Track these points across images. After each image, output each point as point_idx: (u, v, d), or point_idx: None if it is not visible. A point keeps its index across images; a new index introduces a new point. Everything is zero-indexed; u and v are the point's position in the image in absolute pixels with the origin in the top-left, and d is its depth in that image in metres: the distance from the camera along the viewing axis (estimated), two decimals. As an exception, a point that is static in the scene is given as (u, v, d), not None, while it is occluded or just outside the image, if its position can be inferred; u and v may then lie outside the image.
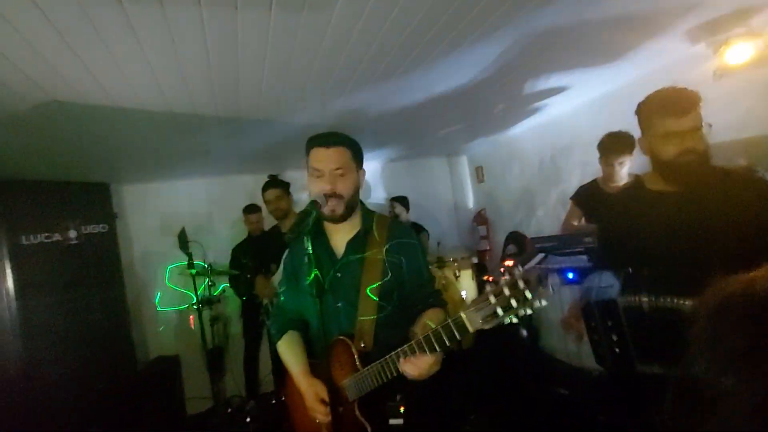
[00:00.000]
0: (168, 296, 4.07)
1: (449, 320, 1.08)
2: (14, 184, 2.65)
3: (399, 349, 1.20)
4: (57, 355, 2.66)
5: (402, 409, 1.30)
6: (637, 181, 1.52)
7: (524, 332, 3.25)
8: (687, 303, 1.12)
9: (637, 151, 2.64)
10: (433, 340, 1.11)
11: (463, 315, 1.05)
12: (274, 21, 1.50)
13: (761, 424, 0.34)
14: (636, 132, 1.44)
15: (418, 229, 4.11)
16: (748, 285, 0.40)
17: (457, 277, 3.33)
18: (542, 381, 3.10)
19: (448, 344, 1.09)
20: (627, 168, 2.51)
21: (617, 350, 1.23)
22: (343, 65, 1.98)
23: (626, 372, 1.25)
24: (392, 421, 1.29)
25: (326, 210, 1.35)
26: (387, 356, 1.23)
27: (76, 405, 2.70)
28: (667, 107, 1.30)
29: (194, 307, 3.46)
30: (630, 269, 1.32)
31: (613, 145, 2.45)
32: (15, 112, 1.95)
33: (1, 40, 1.37)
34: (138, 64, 1.66)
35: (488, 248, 5.02)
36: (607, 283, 1.32)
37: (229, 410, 3.49)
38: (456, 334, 1.07)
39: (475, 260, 4.56)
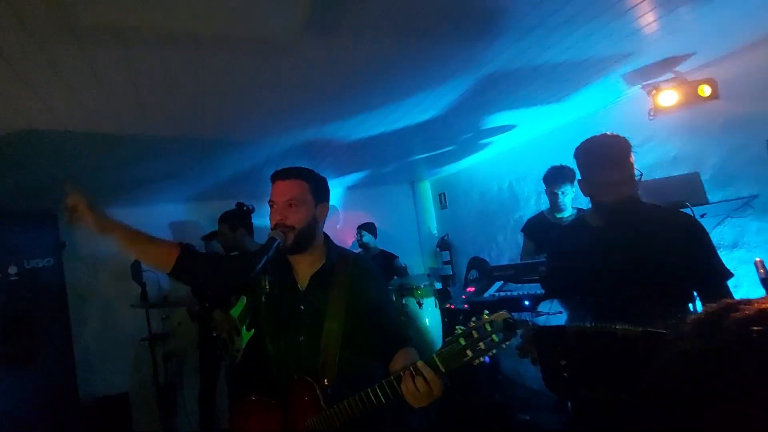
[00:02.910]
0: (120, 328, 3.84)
1: (422, 361, 1.11)
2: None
3: (377, 385, 1.18)
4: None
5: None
6: (580, 218, 1.65)
7: (486, 359, 3.30)
8: (625, 329, 1.20)
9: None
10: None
11: (435, 357, 1.09)
12: (235, 62, 1.53)
13: None
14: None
15: (389, 257, 4.12)
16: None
17: (420, 305, 3.36)
18: (504, 407, 3.14)
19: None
20: (570, 197, 2.72)
21: (565, 375, 1.28)
22: (307, 102, 2.03)
23: (576, 396, 1.31)
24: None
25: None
26: (358, 394, 1.20)
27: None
28: (604, 159, 1.40)
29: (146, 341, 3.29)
30: (578, 298, 1.40)
31: (555, 176, 2.70)
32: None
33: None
34: (94, 93, 1.63)
35: (452, 273, 5.11)
36: (557, 309, 1.40)
37: (183, 450, 3.29)
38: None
39: (438, 286, 4.62)
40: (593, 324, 1.28)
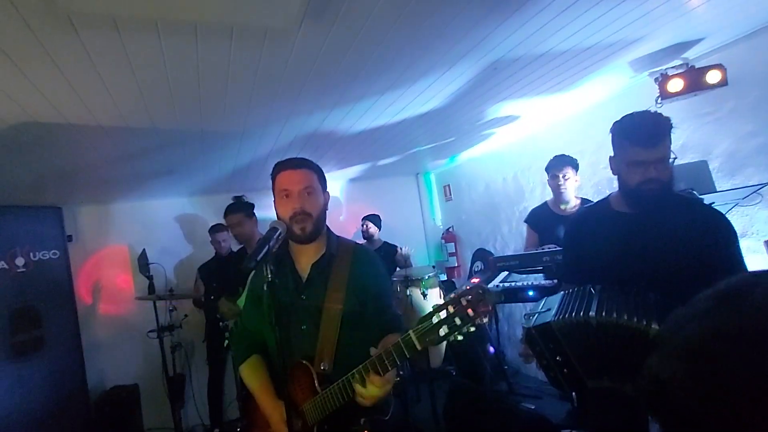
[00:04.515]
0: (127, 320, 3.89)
1: (399, 339, 1.11)
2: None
3: (354, 371, 1.21)
4: (4, 393, 2.48)
5: (365, 433, 1.30)
6: (603, 201, 1.59)
7: (491, 349, 3.31)
8: (633, 319, 1.18)
9: (582, 171, 2.83)
10: (385, 360, 1.14)
11: (411, 333, 1.08)
12: (234, 52, 1.52)
13: None
14: (587, 154, 1.51)
15: (391, 249, 4.13)
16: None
17: (425, 296, 3.36)
18: (509, 396, 3.14)
19: (398, 363, 1.13)
20: (573, 183, 2.68)
21: (565, 370, 1.27)
22: (307, 92, 2.01)
23: (579, 389, 1.30)
24: (356, 445, 1.29)
25: (296, 229, 1.37)
26: (344, 378, 1.24)
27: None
28: (639, 135, 1.32)
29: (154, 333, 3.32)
30: (592, 286, 1.35)
31: (557, 161, 2.71)
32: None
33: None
34: (93, 84, 1.63)
35: (457, 265, 5.10)
36: (546, 308, 1.37)
37: (192, 440, 3.33)
38: (406, 352, 1.10)
39: (443, 277, 4.62)
40: (601, 315, 1.25)
